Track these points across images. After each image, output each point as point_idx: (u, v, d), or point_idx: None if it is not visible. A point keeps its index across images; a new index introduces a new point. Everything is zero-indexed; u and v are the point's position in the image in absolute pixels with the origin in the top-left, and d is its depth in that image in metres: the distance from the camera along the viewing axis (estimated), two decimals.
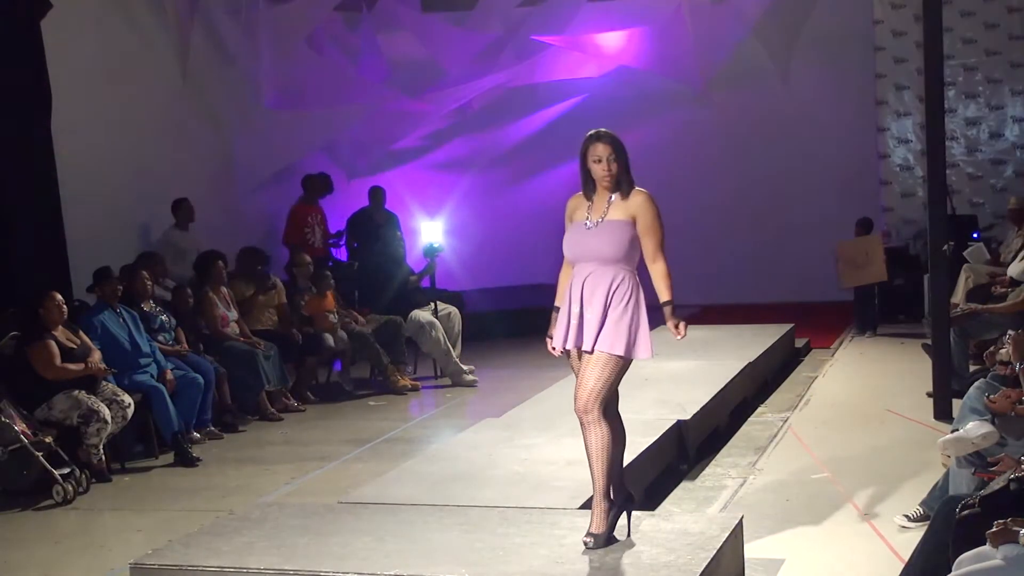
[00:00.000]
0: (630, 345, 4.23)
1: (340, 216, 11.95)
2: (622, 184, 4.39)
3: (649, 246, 4.34)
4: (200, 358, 8.10)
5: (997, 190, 12.47)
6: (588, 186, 4.44)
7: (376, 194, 11.61)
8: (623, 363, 4.25)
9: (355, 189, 12.22)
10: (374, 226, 11.18)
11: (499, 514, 4.68)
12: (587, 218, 4.38)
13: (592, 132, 4.44)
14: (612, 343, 4.21)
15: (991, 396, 4.84)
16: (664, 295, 4.33)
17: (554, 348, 4.41)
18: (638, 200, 4.36)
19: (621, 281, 4.29)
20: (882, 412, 7.40)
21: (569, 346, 4.31)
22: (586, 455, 4.27)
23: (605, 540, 4.23)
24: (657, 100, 13.67)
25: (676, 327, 4.30)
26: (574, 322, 4.28)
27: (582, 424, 4.25)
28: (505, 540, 4.32)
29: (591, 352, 4.24)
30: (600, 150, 4.37)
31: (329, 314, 9.30)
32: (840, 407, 7.69)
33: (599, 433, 4.21)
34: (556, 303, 4.44)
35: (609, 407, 4.34)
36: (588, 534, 4.23)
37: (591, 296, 4.27)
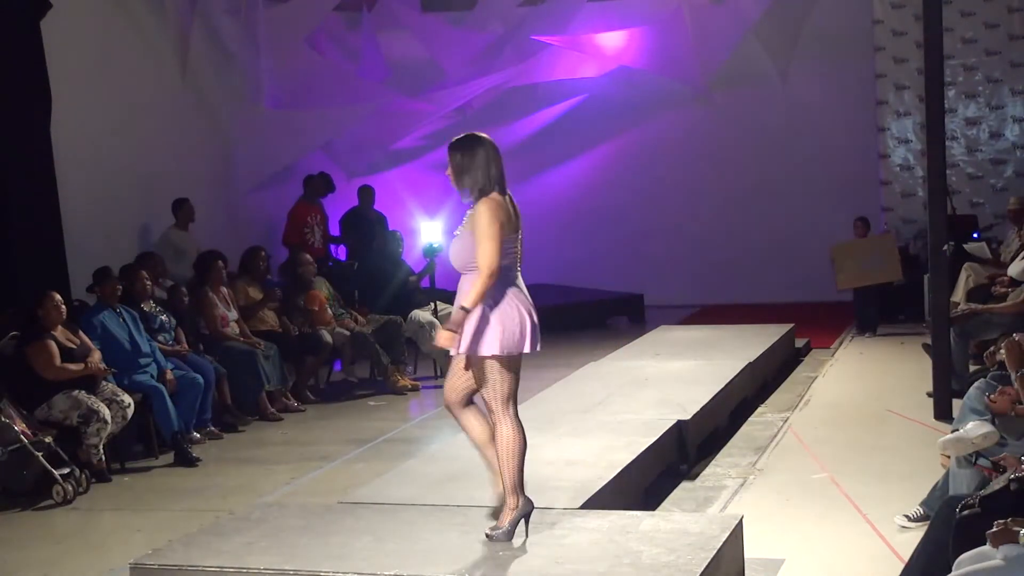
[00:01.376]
0: (475, 342, 4.26)
1: (338, 216, 11.95)
2: (464, 192, 4.39)
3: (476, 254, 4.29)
4: (200, 358, 8.09)
5: (997, 190, 12.48)
6: None
7: (366, 193, 11.62)
8: (487, 360, 4.29)
9: (355, 189, 12.23)
10: (368, 224, 11.19)
11: None
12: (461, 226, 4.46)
13: None
14: (470, 343, 4.27)
15: (991, 396, 4.84)
16: (463, 301, 4.28)
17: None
18: (476, 210, 4.34)
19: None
20: (882, 412, 7.40)
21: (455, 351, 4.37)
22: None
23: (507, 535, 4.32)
24: (657, 100, 13.68)
25: (442, 332, 4.31)
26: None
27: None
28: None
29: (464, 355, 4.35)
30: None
31: (328, 307, 9.32)
32: (840, 407, 7.69)
33: (501, 431, 4.30)
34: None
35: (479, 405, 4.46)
36: (494, 527, 4.34)
37: (457, 302, 4.34)
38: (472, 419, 4.49)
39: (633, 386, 7.48)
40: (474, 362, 4.32)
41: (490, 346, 4.25)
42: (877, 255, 10.68)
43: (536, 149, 14.22)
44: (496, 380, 4.29)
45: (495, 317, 4.27)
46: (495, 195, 4.32)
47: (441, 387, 9.37)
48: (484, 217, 4.26)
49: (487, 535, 4.33)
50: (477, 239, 4.25)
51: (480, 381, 4.33)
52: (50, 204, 8.60)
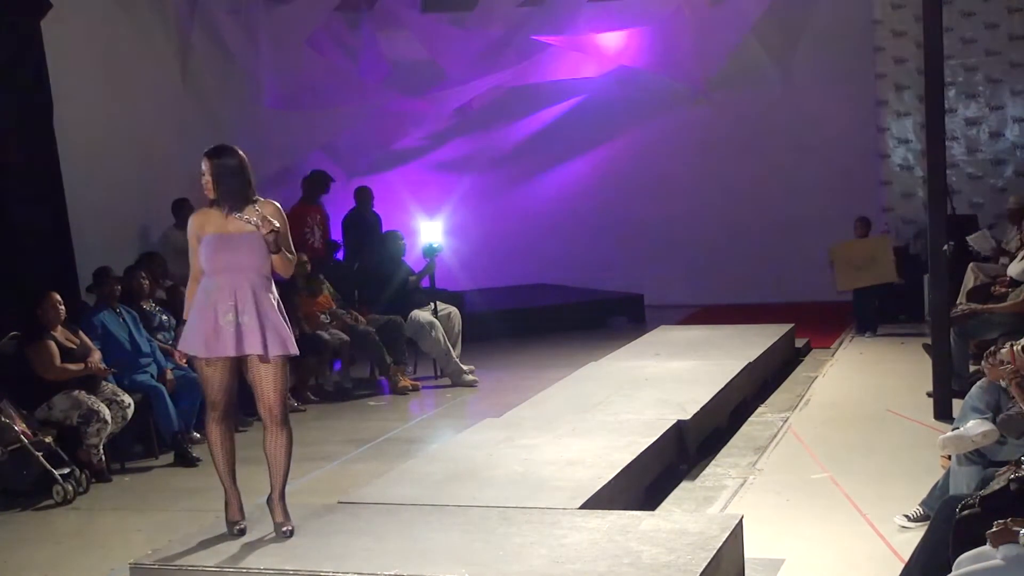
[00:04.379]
0: (290, 343, 4.53)
1: (338, 216, 11.93)
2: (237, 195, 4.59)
3: None
4: None
5: (997, 190, 12.47)
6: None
7: (363, 195, 11.59)
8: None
9: (355, 189, 12.23)
10: (367, 226, 11.20)
11: (499, 514, 4.68)
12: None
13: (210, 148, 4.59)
14: (285, 345, 4.49)
15: (990, 360, 4.74)
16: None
17: (194, 356, 4.55)
18: (271, 210, 4.57)
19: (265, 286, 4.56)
20: (882, 412, 7.40)
21: (230, 353, 4.45)
22: (271, 458, 4.56)
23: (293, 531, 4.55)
24: (657, 100, 13.69)
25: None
26: (230, 330, 4.42)
27: (271, 427, 4.52)
28: (505, 540, 4.32)
29: (264, 357, 4.47)
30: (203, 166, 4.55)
31: (320, 314, 9.29)
32: (840, 407, 7.69)
33: (288, 433, 4.54)
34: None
35: None
36: (287, 528, 4.51)
37: (233, 306, 4.45)
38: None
39: (633, 386, 7.48)
40: (275, 361, 4.54)
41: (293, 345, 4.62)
42: (872, 256, 10.68)
43: (536, 149, 14.23)
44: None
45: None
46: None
47: (441, 387, 9.51)
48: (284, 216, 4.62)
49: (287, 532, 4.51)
50: (287, 236, 4.59)
51: (276, 379, 4.54)
52: (56, 205, 8.60)
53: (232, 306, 4.43)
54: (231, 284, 4.46)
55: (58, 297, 7.02)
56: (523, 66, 13.47)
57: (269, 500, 4.61)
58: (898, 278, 10.75)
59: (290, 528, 4.51)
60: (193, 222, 4.59)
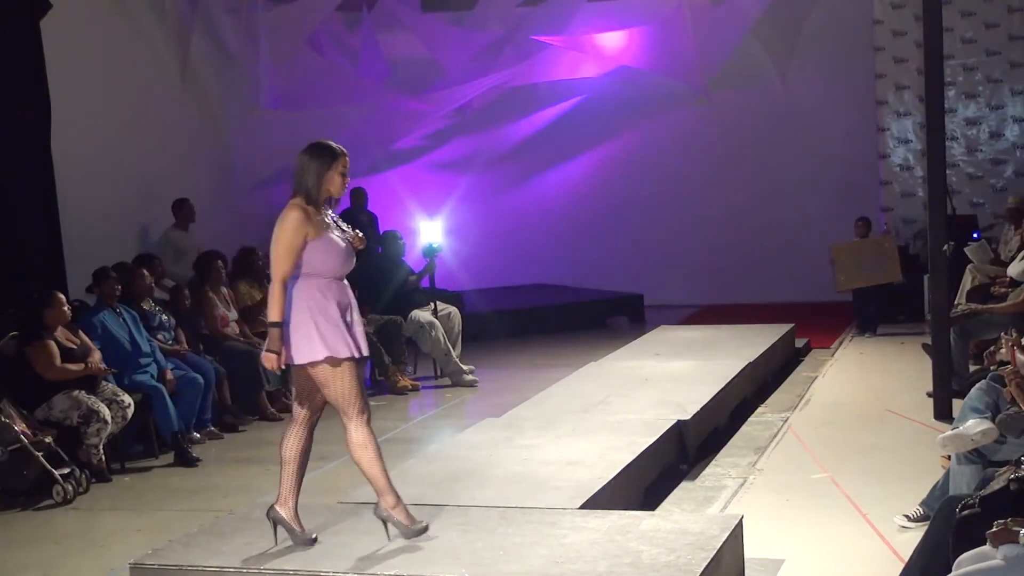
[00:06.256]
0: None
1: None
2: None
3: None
4: (200, 358, 8.09)
5: (997, 190, 12.48)
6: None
7: (358, 195, 11.60)
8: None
9: (352, 189, 12.24)
10: (359, 226, 11.19)
11: (499, 514, 4.68)
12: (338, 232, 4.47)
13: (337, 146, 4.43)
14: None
15: (1006, 337, 4.71)
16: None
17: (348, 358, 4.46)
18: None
19: None
20: (882, 412, 7.40)
21: (366, 352, 4.52)
22: (363, 458, 4.60)
23: None
24: (657, 100, 13.70)
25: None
26: (359, 329, 4.47)
27: (359, 426, 4.64)
28: (505, 540, 4.32)
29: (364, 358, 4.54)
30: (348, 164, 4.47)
31: None
32: (840, 407, 7.69)
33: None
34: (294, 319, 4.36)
35: None
36: (423, 523, 4.41)
37: (352, 305, 4.47)
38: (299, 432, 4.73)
39: (633, 386, 7.48)
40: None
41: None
42: (876, 256, 10.67)
43: (536, 149, 14.23)
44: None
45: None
46: None
47: (441, 387, 9.52)
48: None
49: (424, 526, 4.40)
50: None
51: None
52: (48, 205, 8.59)
53: (352, 307, 4.45)
54: (346, 287, 4.47)
55: (64, 298, 7.03)
56: (523, 66, 13.47)
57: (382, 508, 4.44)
58: (901, 277, 10.76)
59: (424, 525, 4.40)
60: (300, 220, 4.27)
